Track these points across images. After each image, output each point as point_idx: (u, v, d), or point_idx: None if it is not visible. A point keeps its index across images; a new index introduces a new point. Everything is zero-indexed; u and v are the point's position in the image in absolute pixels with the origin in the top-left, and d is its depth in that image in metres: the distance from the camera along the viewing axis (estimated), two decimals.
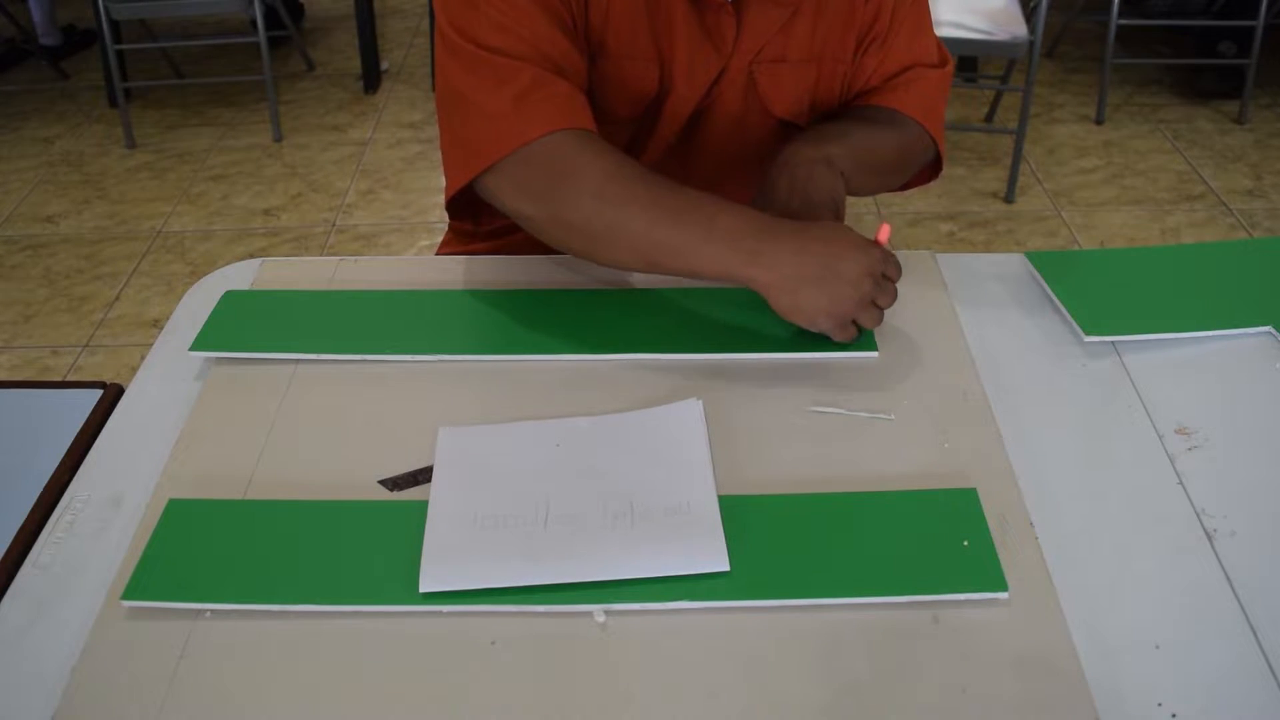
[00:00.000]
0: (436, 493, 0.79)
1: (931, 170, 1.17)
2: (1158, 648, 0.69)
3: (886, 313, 0.95)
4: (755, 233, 0.86)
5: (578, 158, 0.89)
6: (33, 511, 0.81)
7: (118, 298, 2.48)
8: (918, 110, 1.09)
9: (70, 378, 2.21)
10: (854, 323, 0.89)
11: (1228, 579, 0.73)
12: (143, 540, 0.75)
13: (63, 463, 0.85)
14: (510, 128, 0.89)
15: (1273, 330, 0.95)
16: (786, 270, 0.85)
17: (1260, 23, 2.96)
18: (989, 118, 3.20)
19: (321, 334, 0.96)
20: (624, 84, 1.02)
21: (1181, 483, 0.81)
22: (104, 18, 2.98)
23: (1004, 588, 0.71)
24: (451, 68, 0.93)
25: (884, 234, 0.90)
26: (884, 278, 0.88)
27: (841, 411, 0.87)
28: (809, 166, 0.99)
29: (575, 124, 0.90)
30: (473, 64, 0.91)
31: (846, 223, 0.94)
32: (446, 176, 0.97)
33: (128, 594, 0.71)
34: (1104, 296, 0.99)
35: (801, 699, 0.65)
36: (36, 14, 3.60)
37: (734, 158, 1.10)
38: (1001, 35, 2.57)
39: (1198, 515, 0.78)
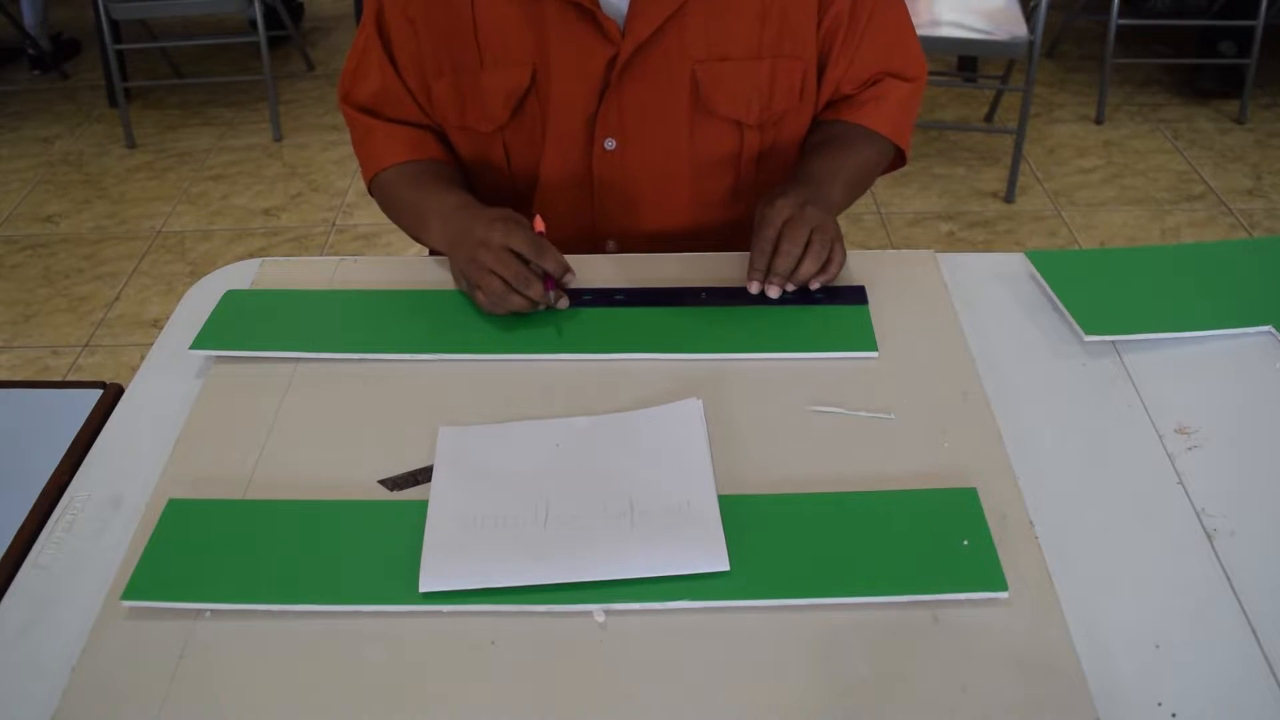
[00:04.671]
0: (436, 493, 0.79)
1: (895, 162, 1.21)
2: (1158, 648, 0.69)
3: (885, 311, 0.96)
4: (444, 212, 1.03)
5: (381, 191, 1.14)
6: (33, 511, 0.81)
7: (118, 298, 2.48)
8: (888, 127, 1.13)
9: (70, 378, 2.21)
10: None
11: (1228, 579, 0.73)
12: (143, 540, 0.75)
13: (63, 463, 0.85)
14: (364, 173, 1.15)
15: (1273, 330, 0.95)
16: (450, 236, 1.01)
17: (1260, 23, 2.96)
18: (989, 118, 3.20)
19: (321, 333, 0.96)
20: (498, 88, 1.06)
21: (1181, 483, 0.81)
22: (104, 17, 2.98)
23: (1004, 587, 0.71)
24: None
25: (537, 223, 0.97)
26: (506, 252, 0.93)
27: (841, 411, 0.87)
28: (816, 202, 1.00)
29: (391, 160, 1.11)
30: (346, 119, 1.16)
31: (845, 222, 0.95)
32: None
33: (128, 594, 0.71)
34: (1104, 296, 0.99)
35: (801, 699, 0.65)
36: (29, 18, 3.58)
37: (690, 165, 1.10)
38: (1001, 35, 2.57)
39: (1198, 515, 0.78)
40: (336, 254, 2.43)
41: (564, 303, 0.98)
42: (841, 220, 1.06)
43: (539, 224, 0.96)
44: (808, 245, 0.96)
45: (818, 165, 1.09)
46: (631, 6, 1.01)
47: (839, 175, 1.08)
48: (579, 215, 1.12)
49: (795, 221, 0.97)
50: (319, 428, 0.86)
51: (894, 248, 2.42)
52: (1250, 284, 1.02)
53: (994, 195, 2.80)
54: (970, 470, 0.80)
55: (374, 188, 1.14)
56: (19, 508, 0.81)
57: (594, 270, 1.04)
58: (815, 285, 0.98)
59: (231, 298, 1.01)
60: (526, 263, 0.94)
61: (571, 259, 1.06)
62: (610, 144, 1.08)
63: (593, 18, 1.01)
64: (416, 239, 1.13)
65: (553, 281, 0.96)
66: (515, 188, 1.13)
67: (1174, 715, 0.65)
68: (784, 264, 0.96)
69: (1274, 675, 0.67)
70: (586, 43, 1.02)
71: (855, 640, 0.68)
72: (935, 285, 1.02)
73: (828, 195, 1.04)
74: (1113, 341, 0.95)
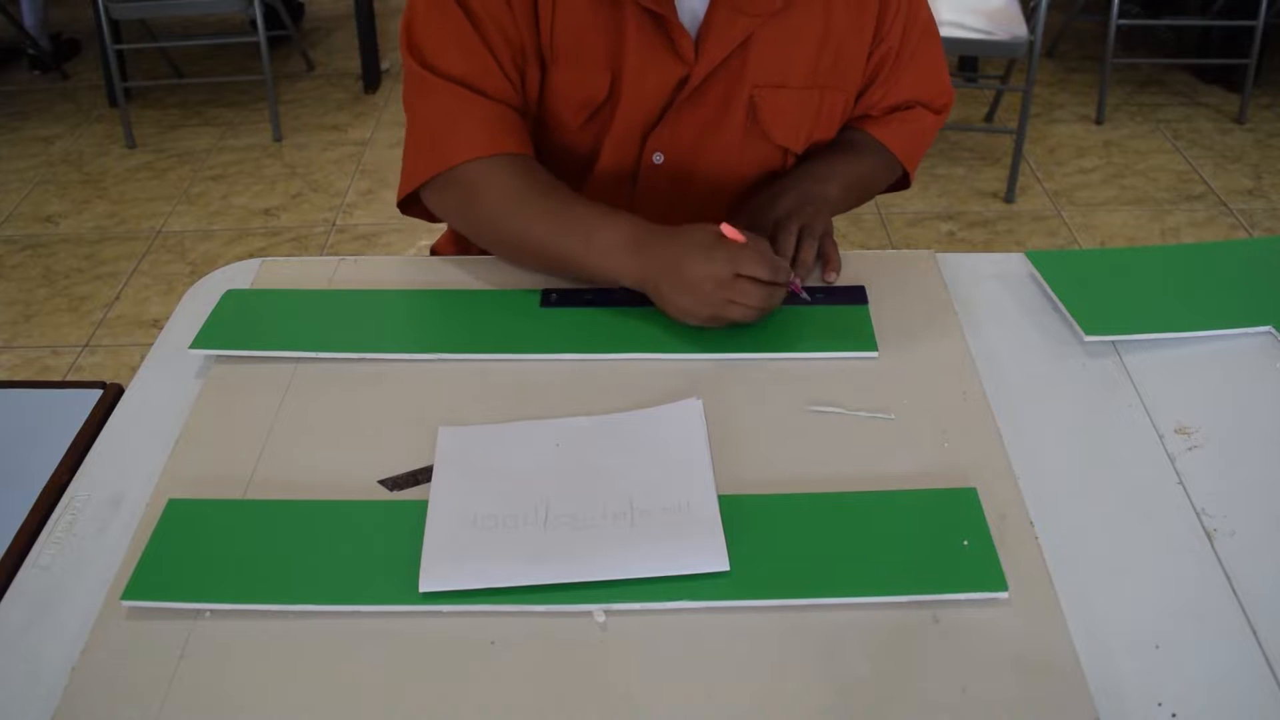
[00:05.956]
0: (436, 493, 0.79)
1: (899, 183, 1.22)
2: (1158, 648, 0.69)
3: (885, 311, 0.96)
4: (626, 244, 0.94)
5: (482, 181, 0.98)
6: (33, 511, 0.81)
7: (118, 298, 2.48)
8: (903, 150, 1.15)
9: (70, 378, 2.21)
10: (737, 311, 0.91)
11: (1228, 579, 0.73)
12: (143, 540, 0.75)
13: (63, 463, 0.85)
14: (438, 151, 0.99)
15: (1273, 330, 0.95)
16: (649, 275, 0.93)
17: (1260, 23, 2.96)
18: (989, 118, 3.20)
19: (321, 333, 0.96)
20: (572, 92, 1.03)
21: (1181, 483, 0.81)
22: (104, 17, 2.98)
23: (1004, 588, 0.71)
24: (406, 85, 1.02)
25: (730, 233, 0.91)
26: (739, 277, 0.89)
27: (841, 411, 0.87)
28: (812, 200, 1.04)
29: (491, 149, 0.98)
30: (417, 85, 1.00)
31: (845, 222, 0.96)
32: (400, 180, 1.05)
33: (128, 594, 0.71)
34: (1104, 296, 0.99)
35: (801, 699, 0.65)
36: (29, 18, 3.58)
37: (733, 182, 1.11)
38: (1001, 35, 2.57)
39: (1198, 515, 0.78)
40: (336, 254, 2.43)
41: (805, 294, 0.97)
42: (841, 220, 1.07)
43: (731, 231, 0.91)
44: (800, 241, 0.99)
45: (821, 164, 1.10)
46: (706, 28, 1.00)
47: (839, 176, 1.09)
48: None
49: (785, 219, 1.01)
50: (319, 428, 0.86)
51: (894, 248, 2.42)
52: (1250, 284, 1.02)
53: (994, 195, 2.80)
54: (970, 470, 0.80)
55: (455, 176, 0.99)
56: (19, 508, 0.81)
57: None
58: (830, 278, 1.00)
59: (231, 297, 1.01)
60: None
61: None
62: (658, 158, 1.07)
63: (668, 34, 0.99)
64: (533, 250, 0.99)
65: (794, 284, 0.95)
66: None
67: (1174, 715, 0.65)
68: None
69: (1274, 675, 0.67)
70: (659, 58, 1.01)
71: (855, 640, 0.68)
72: (935, 285, 1.02)
73: (823, 192, 1.06)
74: (1113, 341, 0.95)
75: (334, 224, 2.75)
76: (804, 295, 0.97)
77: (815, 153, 1.13)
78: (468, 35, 0.98)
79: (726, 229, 0.91)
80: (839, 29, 1.04)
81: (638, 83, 1.02)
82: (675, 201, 1.10)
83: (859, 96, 1.12)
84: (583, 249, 0.95)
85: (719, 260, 0.89)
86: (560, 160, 1.09)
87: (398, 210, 1.09)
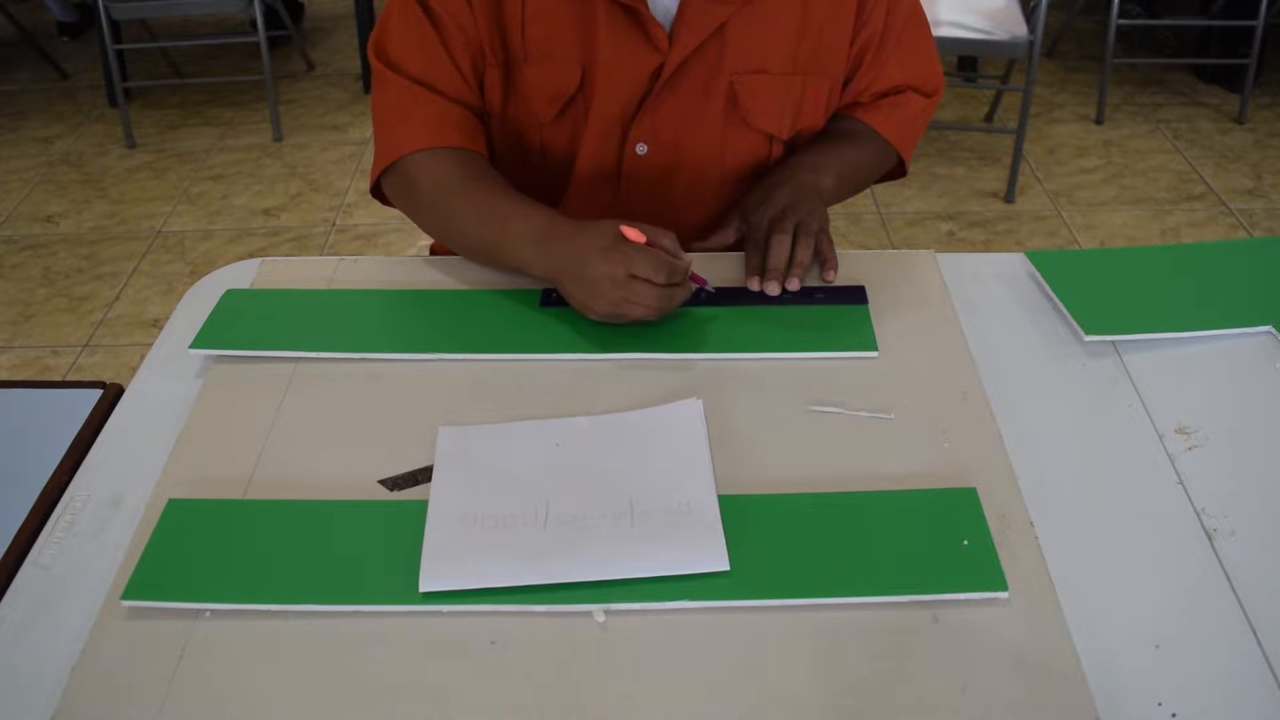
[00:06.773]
0: (436, 493, 0.79)
1: (895, 172, 1.22)
2: (1158, 648, 0.69)
3: (885, 311, 0.96)
4: (534, 237, 0.96)
5: (421, 172, 1.02)
6: (33, 511, 0.81)
7: (118, 297, 2.48)
8: (896, 135, 1.15)
9: (70, 378, 2.21)
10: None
11: (1228, 579, 0.73)
12: (143, 540, 0.75)
13: (63, 463, 0.85)
14: (390, 143, 1.03)
15: (1273, 330, 0.95)
16: (553, 269, 0.95)
17: (1260, 23, 2.96)
18: (989, 118, 3.20)
19: (321, 333, 0.96)
20: (542, 85, 1.04)
21: (1181, 483, 0.81)
22: (104, 17, 2.98)
23: (1004, 587, 0.71)
24: (372, 84, 1.08)
25: (630, 233, 0.91)
26: (634, 278, 0.89)
27: (841, 411, 0.87)
28: (806, 194, 1.05)
29: (435, 141, 1.02)
30: (379, 83, 1.05)
31: (845, 222, 0.97)
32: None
33: (128, 594, 0.71)
34: (1104, 296, 0.99)
35: (801, 699, 0.65)
36: None
37: (719, 171, 1.11)
38: (1001, 35, 2.57)
39: (1198, 515, 0.78)
40: (336, 254, 2.43)
41: (710, 285, 0.97)
42: (841, 220, 1.07)
43: (630, 232, 0.91)
44: (796, 240, 1.00)
45: (813, 154, 1.11)
46: (679, 16, 1.01)
47: (833, 166, 1.10)
48: (603, 212, 1.12)
49: (780, 218, 1.01)
50: (319, 428, 0.86)
51: (894, 248, 2.42)
52: (1250, 284, 1.02)
53: (994, 195, 2.80)
54: (970, 470, 0.80)
55: (402, 167, 1.03)
56: (19, 508, 0.81)
57: None
58: (830, 276, 1.00)
59: (231, 297, 1.01)
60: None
61: None
62: (641, 149, 1.07)
63: (641, 25, 1.00)
64: (460, 239, 1.03)
65: (697, 276, 0.96)
66: (546, 180, 1.12)
67: (1174, 715, 0.65)
68: (776, 259, 0.98)
69: (1274, 675, 0.67)
70: (634, 48, 1.02)
71: (855, 640, 0.68)
72: (935, 285, 1.02)
73: (817, 183, 1.07)
74: (1113, 341, 0.95)
75: (334, 224, 2.75)
76: (709, 289, 0.96)
77: (807, 142, 1.13)
78: (429, 38, 1.02)
79: (626, 229, 0.91)
80: (818, 14, 1.04)
81: (613, 73, 1.03)
82: (662, 193, 1.10)
83: (846, 83, 1.12)
84: (498, 240, 0.98)
85: (614, 261, 0.89)
86: (542, 157, 1.10)
87: (391, 208, 1.10)
